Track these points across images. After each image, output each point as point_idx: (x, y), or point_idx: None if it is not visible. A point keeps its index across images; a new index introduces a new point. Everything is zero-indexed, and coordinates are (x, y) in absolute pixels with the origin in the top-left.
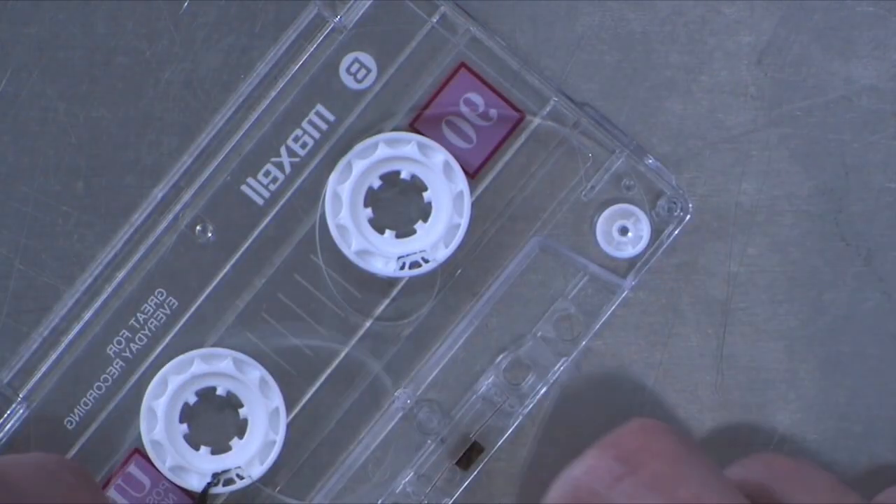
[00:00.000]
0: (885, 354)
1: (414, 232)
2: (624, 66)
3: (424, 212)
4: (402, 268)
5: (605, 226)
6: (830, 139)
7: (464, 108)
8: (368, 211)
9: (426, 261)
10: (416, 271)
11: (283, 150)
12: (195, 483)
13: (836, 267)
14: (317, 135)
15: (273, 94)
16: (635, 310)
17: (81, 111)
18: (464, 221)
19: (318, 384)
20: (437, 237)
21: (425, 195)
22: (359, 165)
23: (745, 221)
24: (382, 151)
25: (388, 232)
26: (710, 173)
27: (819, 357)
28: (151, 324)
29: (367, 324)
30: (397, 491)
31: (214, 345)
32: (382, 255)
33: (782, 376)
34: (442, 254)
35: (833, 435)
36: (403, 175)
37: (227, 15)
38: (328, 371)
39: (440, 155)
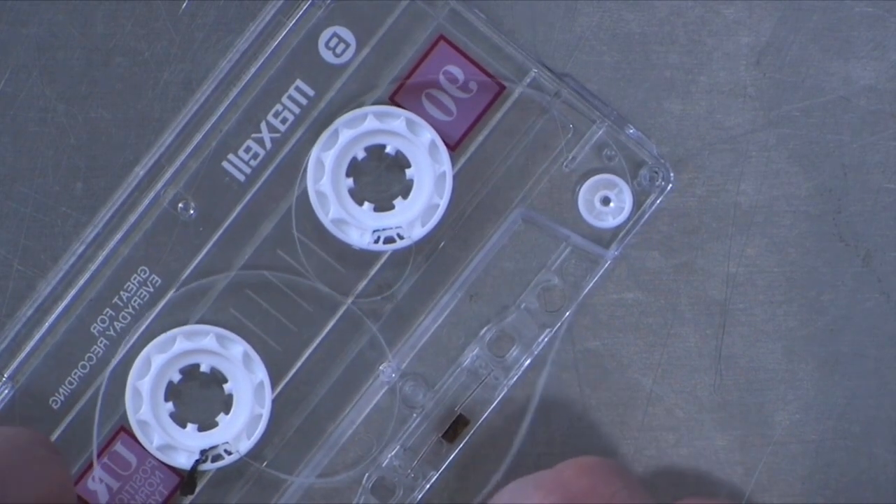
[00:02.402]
0: (883, 355)
1: (392, 207)
2: (623, 67)
3: (405, 188)
4: (377, 241)
5: (587, 196)
6: (829, 140)
7: (443, 81)
8: (350, 181)
9: (401, 237)
10: (390, 246)
11: (263, 126)
12: (183, 461)
13: (834, 267)
14: (297, 110)
15: (253, 69)
16: (634, 311)
17: (80, 112)
18: (443, 202)
19: (302, 359)
20: (414, 215)
21: (408, 172)
22: (345, 135)
23: (744, 222)
24: (370, 124)
25: (366, 204)
26: (709, 174)
27: (818, 357)
28: (135, 302)
29: (350, 298)
30: (384, 464)
31: (199, 322)
32: (358, 226)
33: (781, 377)
34: (417, 232)
35: (832, 435)
36: (388, 150)
37: (226, 16)
38: (312, 346)
39: (427, 134)
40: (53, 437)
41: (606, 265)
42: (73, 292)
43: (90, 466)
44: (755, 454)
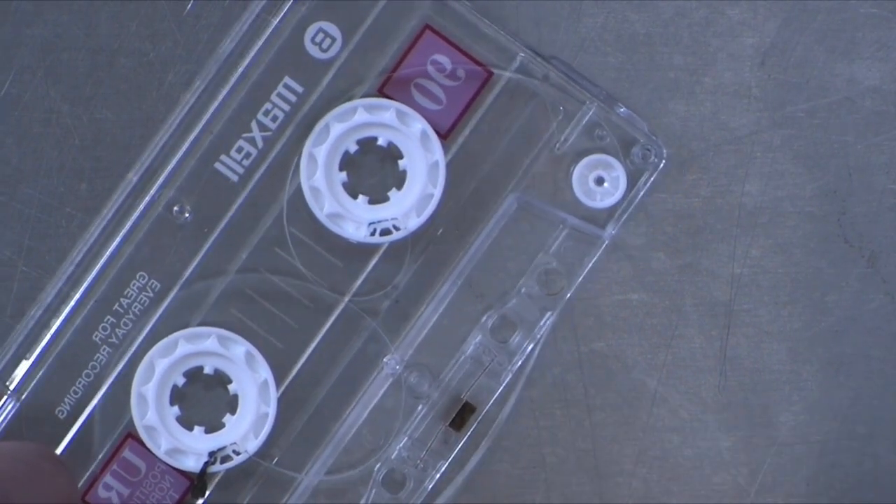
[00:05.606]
0: (888, 356)
1: (387, 199)
2: (627, 68)
3: (399, 179)
4: (373, 234)
5: (581, 177)
6: (834, 141)
7: (431, 70)
8: (343, 175)
9: (397, 228)
10: (386, 238)
11: (253, 125)
12: (192, 464)
13: (839, 268)
14: (286, 107)
15: (240, 69)
16: (639, 311)
17: (85, 113)
18: (437, 191)
19: (305, 355)
20: (409, 206)
21: (401, 163)
22: (336, 129)
23: (749, 223)
24: (361, 116)
25: (361, 197)
26: (714, 175)
27: (822, 358)
28: (135, 308)
29: (350, 293)
30: (393, 457)
31: (200, 324)
32: (354, 219)
33: (786, 378)
34: (413, 223)
35: (836, 436)
36: (380, 142)
37: (231, 16)
38: (315, 342)
39: (418, 124)
40: (61, 447)
41: (604, 245)
42: (72, 303)
43: (100, 474)
44: (760, 455)
